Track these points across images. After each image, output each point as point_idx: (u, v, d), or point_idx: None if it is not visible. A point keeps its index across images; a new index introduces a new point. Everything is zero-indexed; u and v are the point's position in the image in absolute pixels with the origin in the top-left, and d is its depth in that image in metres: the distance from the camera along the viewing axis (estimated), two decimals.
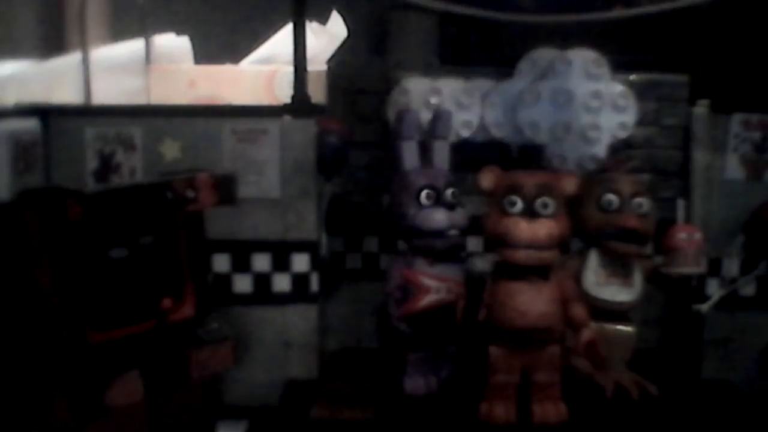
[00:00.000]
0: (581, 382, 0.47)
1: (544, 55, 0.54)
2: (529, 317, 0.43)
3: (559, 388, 0.44)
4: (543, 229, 0.42)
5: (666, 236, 0.48)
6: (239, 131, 0.49)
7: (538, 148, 0.50)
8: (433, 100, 0.53)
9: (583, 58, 0.52)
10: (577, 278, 0.47)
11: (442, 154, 0.48)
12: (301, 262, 0.49)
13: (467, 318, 0.46)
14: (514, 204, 0.42)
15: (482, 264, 0.44)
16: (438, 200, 0.46)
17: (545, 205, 0.42)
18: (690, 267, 0.48)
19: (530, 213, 0.42)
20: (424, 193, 0.45)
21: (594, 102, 0.51)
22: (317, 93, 0.53)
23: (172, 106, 0.57)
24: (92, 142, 0.48)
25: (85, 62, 0.62)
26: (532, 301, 0.43)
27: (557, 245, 0.43)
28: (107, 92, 0.64)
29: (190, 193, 0.42)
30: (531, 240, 0.42)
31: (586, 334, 0.44)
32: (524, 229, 0.42)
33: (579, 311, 0.44)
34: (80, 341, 0.38)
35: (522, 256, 0.42)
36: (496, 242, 0.43)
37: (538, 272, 0.43)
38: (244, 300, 0.49)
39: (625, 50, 0.57)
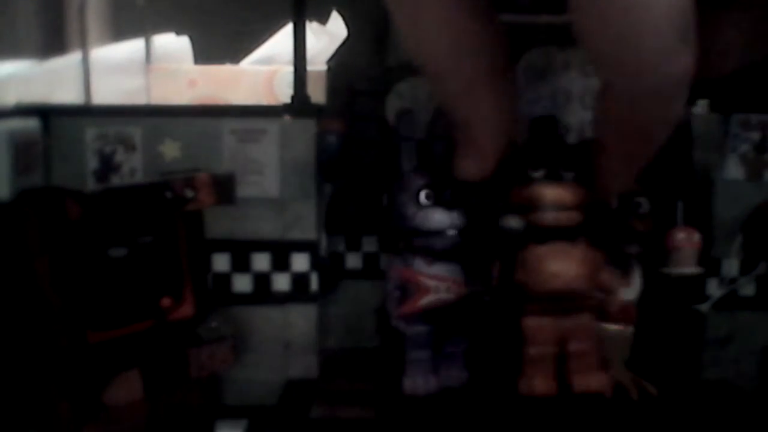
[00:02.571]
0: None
1: (542, 54, 0.54)
2: (562, 279, 0.42)
3: (598, 357, 0.43)
4: (568, 189, 0.42)
5: (666, 237, 0.48)
6: (239, 131, 0.49)
7: (552, 120, 0.48)
8: (433, 100, 0.53)
9: (581, 57, 0.52)
10: None
11: (441, 154, 0.48)
12: (300, 261, 0.49)
13: (502, 280, 0.44)
14: (536, 170, 0.42)
15: (516, 223, 0.43)
16: (437, 200, 0.46)
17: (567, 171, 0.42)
18: (690, 267, 0.48)
19: (554, 177, 0.42)
20: (423, 193, 0.45)
21: (590, 98, 0.51)
22: (317, 93, 0.53)
23: (172, 106, 0.57)
24: (92, 142, 0.48)
25: (85, 62, 0.62)
26: (563, 263, 0.42)
27: (583, 207, 0.43)
28: (107, 92, 0.64)
29: (189, 193, 0.42)
30: (557, 201, 0.42)
31: (618, 299, 0.43)
32: (550, 191, 0.42)
33: (607, 276, 0.44)
34: (80, 340, 0.38)
35: (549, 217, 0.42)
36: (522, 208, 0.43)
37: (567, 234, 0.43)
38: (244, 299, 0.49)
39: None
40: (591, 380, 0.43)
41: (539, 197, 0.42)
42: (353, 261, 0.56)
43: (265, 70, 0.67)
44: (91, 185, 0.48)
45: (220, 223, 0.48)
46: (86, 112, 0.52)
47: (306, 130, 0.49)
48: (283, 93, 0.63)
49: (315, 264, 0.50)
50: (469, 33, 0.24)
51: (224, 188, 0.43)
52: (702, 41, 0.22)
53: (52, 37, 0.72)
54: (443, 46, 0.24)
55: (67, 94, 0.63)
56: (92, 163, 0.48)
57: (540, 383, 0.43)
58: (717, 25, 0.23)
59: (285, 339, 0.50)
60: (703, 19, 0.21)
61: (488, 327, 0.47)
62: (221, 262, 0.49)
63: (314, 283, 0.50)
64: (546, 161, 0.43)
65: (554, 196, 0.42)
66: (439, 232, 0.46)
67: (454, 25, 0.24)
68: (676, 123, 0.24)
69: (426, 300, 0.46)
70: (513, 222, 0.43)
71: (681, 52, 0.21)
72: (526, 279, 0.43)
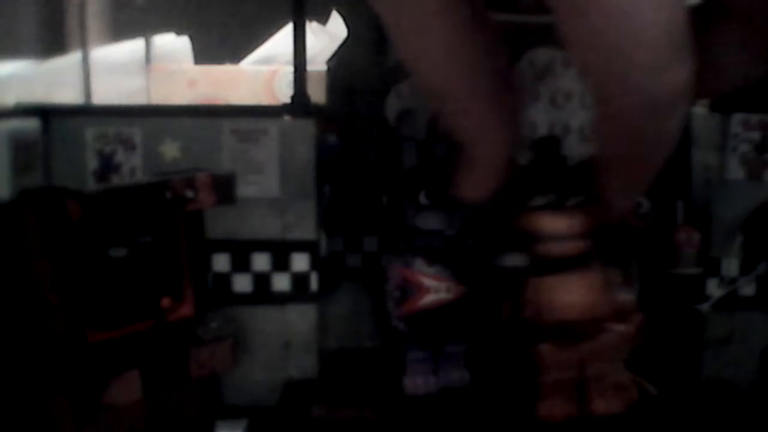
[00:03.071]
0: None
1: (542, 54, 0.54)
2: (578, 309, 0.41)
3: (615, 375, 0.43)
4: (573, 218, 0.41)
5: (666, 237, 0.48)
6: (239, 131, 0.49)
7: (554, 141, 0.48)
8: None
9: None
10: None
11: (441, 154, 0.48)
12: (300, 261, 0.49)
13: (513, 318, 0.44)
14: (539, 198, 0.41)
15: (516, 260, 0.43)
16: (437, 200, 0.46)
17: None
18: (690, 267, 0.48)
19: (557, 205, 0.41)
20: (423, 193, 0.45)
21: (591, 98, 0.51)
22: (317, 93, 0.53)
23: (172, 106, 0.57)
24: (92, 142, 0.48)
25: (85, 62, 0.62)
26: (577, 293, 0.41)
27: (591, 232, 0.42)
28: (107, 92, 0.64)
29: (190, 193, 0.42)
30: (562, 232, 0.41)
31: (637, 319, 0.43)
32: (554, 222, 0.41)
33: (625, 296, 0.43)
34: (79, 340, 0.38)
35: (555, 249, 0.41)
36: (526, 238, 0.42)
37: (578, 262, 0.42)
38: (244, 299, 0.49)
39: None
40: (612, 401, 0.43)
41: (543, 229, 0.41)
42: (353, 261, 0.56)
43: (265, 70, 0.67)
44: (91, 185, 0.48)
45: (220, 223, 0.48)
46: (86, 112, 0.52)
47: (306, 130, 0.49)
48: (283, 93, 0.63)
49: (315, 264, 0.50)
50: (465, 50, 0.23)
51: (224, 188, 0.43)
52: (699, 58, 0.21)
53: (52, 37, 0.72)
54: (437, 63, 0.23)
55: (67, 94, 0.63)
56: (92, 163, 0.48)
57: (560, 407, 0.43)
58: (714, 41, 0.22)
59: (285, 339, 0.50)
60: (699, 35, 0.21)
61: (500, 358, 0.47)
62: (221, 262, 0.49)
63: (314, 283, 0.50)
64: (549, 187, 0.41)
65: (558, 227, 0.41)
66: (438, 233, 0.46)
67: (448, 42, 0.23)
68: (677, 139, 0.23)
69: (426, 300, 0.46)
70: (513, 260, 0.43)
71: (676, 66, 0.20)
72: (539, 312, 0.42)
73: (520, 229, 0.43)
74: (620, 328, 0.43)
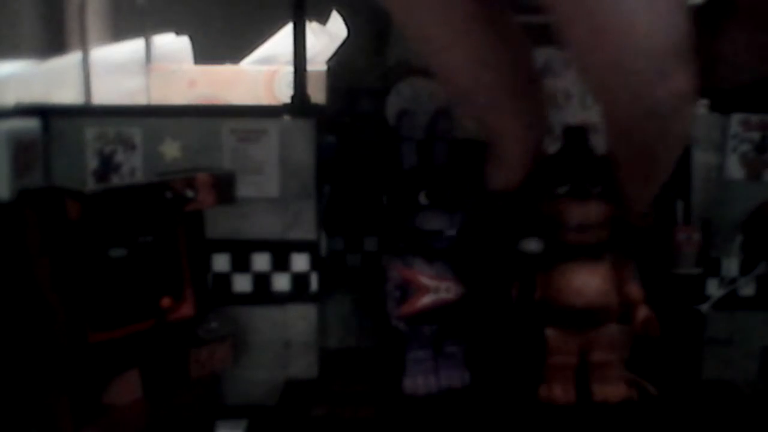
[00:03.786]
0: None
1: (542, 54, 0.54)
2: (585, 296, 0.43)
3: (620, 367, 0.44)
4: (593, 207, 0.42)
5: (666, 237, 0.48)
6: (239, 131, 0.49)
7: (582, 131, 0.48)
8: (433, 100, 0.53)
9: None
10: None
11: (441, 154, 0.48)
12: (300, 261, 0.49)
13: (521, 300, 0.45)
14: (562, 185, 0.43)
15: (534, 245, 0.45)
16: (437, 200, 0.46)
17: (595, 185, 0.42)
18: (690, 267, 0.48)
19: (579, 193, 0.42)
20: (422, 194, 0.45)
21: (591, 98, 0.51)
22: (317, 93, 0.53)
23: (172, 106, 0.57)
24: (92, 142, 0.48)
25: (85, 62, 0.62)
26: (587, 281, 0.43)
27: (609, 224, 0.43)
28: (107, 92, 0.65)
29: (190, 193, 0.42)
30: (582, 220, 0.42)
31: (643, 312, 0.44)
32: (574, 210, 0.42)
33: (634, 289, 0.44)
34: (80, 340, 0.38)
35: (573, 236, 0.43)
36: (548, 223, 0.43)
37: (592, 252, 0.43)
38: (244, 299, 0.49)
39: None
40: (611, 390, 0.44)
41: (563, 215, 0.43)
42: (353, 261, 0.56)
43: (265, 70, 0.67)
44: (91, 185, 0.48)
45: (220, 223, 0.48)
46: (86, 112, 0.51)
47: (306, 130, 0.49)
48: (283, 93, 0.63)
49: (315, 264, 0.50)
50: (487, 45, 0.23)
51: (224, 188, 0.43)
52: (708, 51, 0.21)
53: (52, 37, 0.72)
54: (469, 71, 0.23)
55: (67, 94, 0.63)
56: (92, 163, 0.48)
57: (560, 391, 0.44)
58: (719, 39, 0.22)
59: (285, 339, 0.50)
60: (704, 34, 0.21)
61: (509, 338, 0.48)
62: (221, 262, 0.49)
63: (314, 283, 0.50)
64: (572, 175, 0.43)
65: (579, 214, 0.42)
66: (438, 233, 0.46)
67: (470, 38, 0.23)
68: (686, 141, 0.23)
69: (426, 300, 0.46)
70: (531, 245, 0.44)
71: (679, 72, 0.20)
72: (550, 295, 0.44)
73: (542, 214, 0.44)
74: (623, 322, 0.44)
